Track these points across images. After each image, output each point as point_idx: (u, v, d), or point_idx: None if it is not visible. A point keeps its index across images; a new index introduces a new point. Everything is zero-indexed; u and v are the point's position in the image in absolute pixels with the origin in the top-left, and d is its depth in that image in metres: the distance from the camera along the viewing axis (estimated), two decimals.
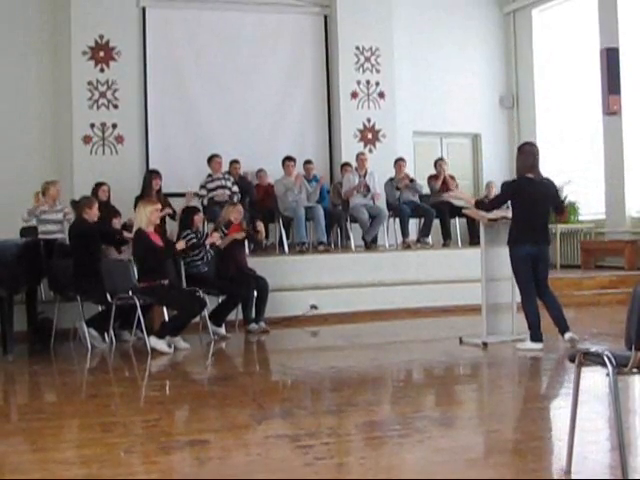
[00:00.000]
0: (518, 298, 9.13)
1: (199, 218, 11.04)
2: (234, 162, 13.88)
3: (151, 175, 12.91)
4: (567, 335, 8.55)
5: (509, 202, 9.02)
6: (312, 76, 15.90)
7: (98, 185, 12.15)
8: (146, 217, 9.63)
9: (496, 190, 14.77)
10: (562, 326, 8.64)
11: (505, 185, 9.46)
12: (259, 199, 13.90)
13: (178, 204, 12.65)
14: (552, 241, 9.17)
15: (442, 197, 12.57)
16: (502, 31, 17.81)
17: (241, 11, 15.34)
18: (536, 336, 8.71)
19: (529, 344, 8.75)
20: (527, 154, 8.83)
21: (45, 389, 8.12)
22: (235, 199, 12.84)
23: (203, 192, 13.10)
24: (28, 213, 11.03)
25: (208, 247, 10.52)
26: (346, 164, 14.53)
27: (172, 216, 12.48)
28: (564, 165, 16.06)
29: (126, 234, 10.59)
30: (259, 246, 12.33)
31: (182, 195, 13.00)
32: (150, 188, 12.59)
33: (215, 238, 10.49)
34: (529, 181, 8.73)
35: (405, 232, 13.96)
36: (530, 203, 8.68)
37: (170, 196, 13.03)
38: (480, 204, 9.28)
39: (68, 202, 11.71)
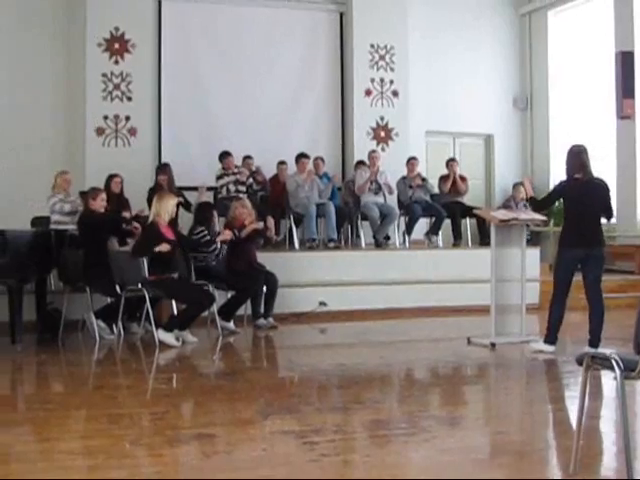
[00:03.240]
0: (529, 299, 9.09)
1: (215, 216, 11.02)
2: (247, 158, 13.83)
3: (157, 171, 12.93)
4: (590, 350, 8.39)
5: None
6: (326, 73, 15.89)
7: (111, 177, 12.10)
8: (164, 210, 9.69)
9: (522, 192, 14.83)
10: (594, 338, 8.42)
11: (555, 186, 9.35)
12: (275, 194, 13.88)
13: (189, 197, 12.73)
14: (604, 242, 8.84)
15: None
16: (517, 32, 17.77)
17: (257, 6, 15.33)
18: (551, 339, 8.65)
19: (541, 345, 8.72)
20: (575, 155, 8.72)
21: (52, 379, 8.15)
22: (249, 192, 12.87)
23: (222, 182, 13.05)
24: (58, 199, 11.07)
25: (219, 245, 10.49)
26: (361, 162, 14.44)
27: (186, 207, 12.49)
28: None
29: (135, 224, 10.56)
30: (269, 242, 12.32)
31: (194, 189, 12.99)
32: (158, 183, 12.59)
33: (228, 235, 10.49)
34: (576, 182, 8.64)
35: (410, 231, 13.96)
36: (577, 204, 8.57)
37: (182, 189, 12.98)
38: (532, 201, 9.20)
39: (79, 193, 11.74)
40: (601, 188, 8.77)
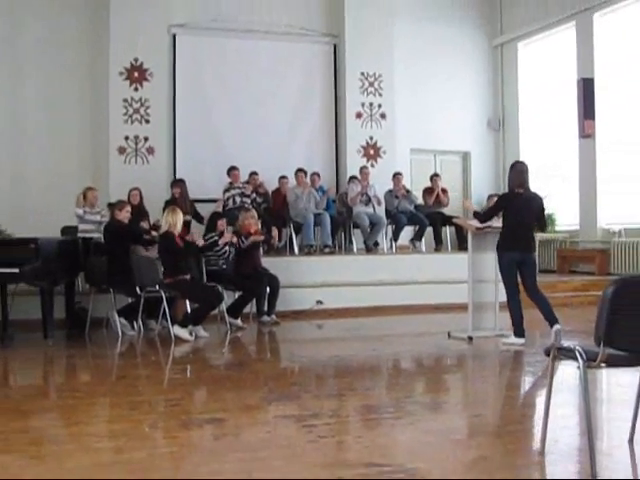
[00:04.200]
0: (502, 298, 9.11)
1: (222, 223, 11.06)
2: (253, 174, 13.85)
3: (172, 185, 13.02)
4: (555, 327, 8.42)
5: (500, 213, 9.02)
6: (322, 98, 15.89)
7: (130, 190, 12.20)
8: (179, 221, 9.69)
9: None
10: (551, 320, 8.50)
11: (498, 198, 9.49)
12: (277, 205, 13.90)
13: (201, 209, 12.85)
14: (536, 249, 9.13)
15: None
16: (491, 61, 17.80)
17: (260, 39, 15.34)
18: (519, 332, 8.70)
19: (513, 339, 8.73)
20: (517, 171, 8.88)
21: (80, 370, 8.13)
22: (254, 204, 12.90)
23: (228, 195, 13.09)
24: (83, 212, 11.13)
25: (222, 245, 10.51)
26: (354, 177, 14.44)
27: (199, 219, 12.59)
28: (543, 181, 16.02)
29: (154, 233, 10.57)
30: (272, 248, 12.37)
31: (205, 201, 13.09)
32: (173, 195, 12.68)
33: (228, 237, 10.52)
34: (517, 195, 8.73)
35: (396, 238, 14.04)
36: (516, 215, 8.67)
37: (195, 202, 13.07)
38: (477, 215, 9.28)
39: (105, 205, 11.78)
40: (537, 202, 8.87)
